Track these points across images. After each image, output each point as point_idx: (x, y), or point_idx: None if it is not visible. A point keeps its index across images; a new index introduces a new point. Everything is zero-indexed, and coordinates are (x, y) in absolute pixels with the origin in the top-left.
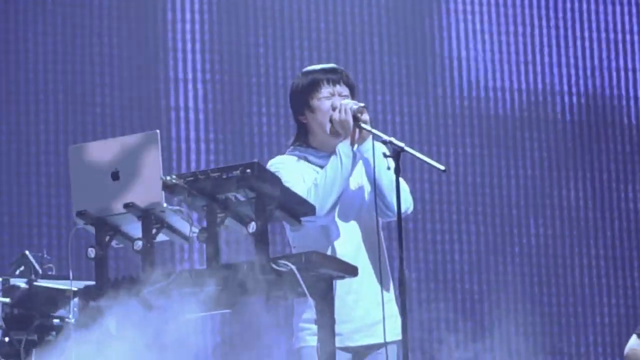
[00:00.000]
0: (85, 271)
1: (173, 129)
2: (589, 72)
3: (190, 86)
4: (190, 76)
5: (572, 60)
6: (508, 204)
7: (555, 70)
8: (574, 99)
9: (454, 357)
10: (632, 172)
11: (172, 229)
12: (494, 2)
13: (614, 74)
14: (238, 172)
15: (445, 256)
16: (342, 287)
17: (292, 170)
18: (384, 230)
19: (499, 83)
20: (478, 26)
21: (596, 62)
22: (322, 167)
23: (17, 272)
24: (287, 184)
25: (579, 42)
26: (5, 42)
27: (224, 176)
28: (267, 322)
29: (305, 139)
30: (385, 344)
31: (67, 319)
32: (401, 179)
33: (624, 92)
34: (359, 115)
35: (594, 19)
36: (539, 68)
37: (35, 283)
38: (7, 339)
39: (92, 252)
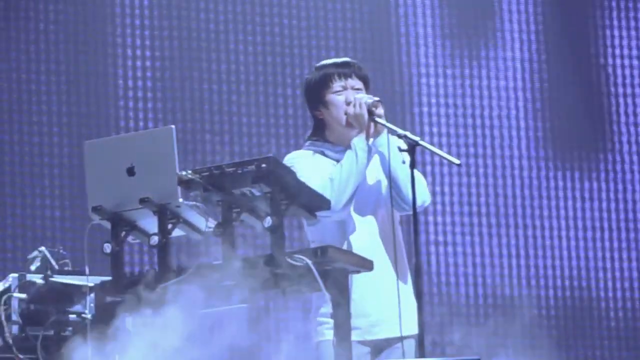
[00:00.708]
0: (100, 266)
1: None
2: None
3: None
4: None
5: None
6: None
7: None
8: None
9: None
10: None
11: (187, 224)
12: None
13: None
14: (253, 166)
15: (457, 248)
16: (360, 280)
17: (309, 165)
18: (402, 225)
19: None
20: None
21: None
22: (338, 161)
23: (33, 268)
24: (302, 178)
25: None
26: None
27: (239, 171)
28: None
29: (321, 134)
30: (401, 338)
31: (83, 315)
32: (419, 173)
33: None
34: (373, 109)
35: None
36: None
37: (51, 279)
38: (23, 335)
39: (107, 248)
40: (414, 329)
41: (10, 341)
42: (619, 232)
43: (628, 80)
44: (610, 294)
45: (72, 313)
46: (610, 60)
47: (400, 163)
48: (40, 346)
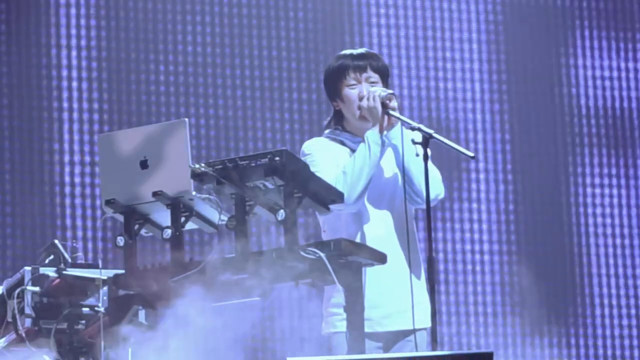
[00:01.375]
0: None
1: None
2: None
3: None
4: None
5: None
6: None
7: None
8: None
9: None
10: None
11: (201, 217)
12: None
13: None
14: (266, 159)
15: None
16: (373, 272)
17: (326, 154)
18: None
19: None
20: None
21: None
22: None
23: (47, 261)
24: (319, 167)
25: None
26: None
27: (253, 164)
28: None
29: (341, 123)
30: (414, 330)
31: (96, 308)
32: (433, 166)
33: None
34: (387, 102)
35: None
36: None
37: (64, 272)
38: (36, 328)
39: (121, 241)
40: (425, 322)
41: (24, 334)
42: None
43: None
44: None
45: (85, 306)
46: None
47: (414, 156)
48: (53, 339)
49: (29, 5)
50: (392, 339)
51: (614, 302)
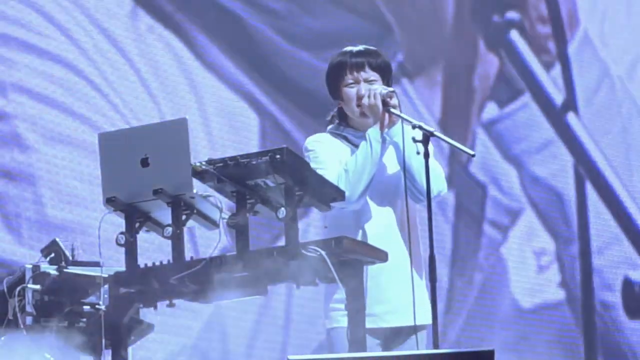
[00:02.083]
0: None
1: None
2: None
3: None
4: None
5: None
6: None
7: None
8: None
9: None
10: None
11: (201, 215)
12: None
13: None
14: (267, 157)
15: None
16: (374, 269)
17: (329, 150)
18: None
19: None
20: None
21: None
22: (358, 147)
23: (47, 259)
24: (322, 165)
25: None
26: None
27: (254, 162)
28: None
29: (344, 119)
30: (415, 327)
31: (97, 306)
32: (436, 162)
33: None
34: (388, 99)
35: None
36: None
37: (65, 270)
38: (37, 326)
39: (122, 239)
40: (426, 320)
41: (25, 332)
42: None
43: None
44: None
45: (86, 304)
46: None
47: (415, 153)
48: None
49: None
50: (393, 336)
51: None
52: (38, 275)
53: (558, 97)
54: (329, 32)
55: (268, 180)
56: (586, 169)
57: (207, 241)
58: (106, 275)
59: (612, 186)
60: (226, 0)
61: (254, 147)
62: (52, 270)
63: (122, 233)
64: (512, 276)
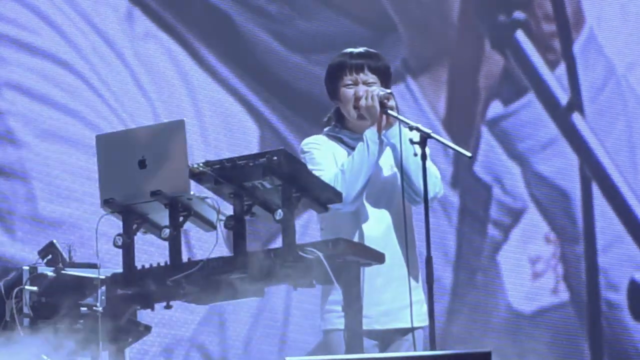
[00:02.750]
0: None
1: None
2: None
3: None
4: None
5: None
6: None
7: None
8: None
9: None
10: None
11: (199, 216)
12: None
13: None
14: (265, 159)
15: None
16: (372, 270)
17: (325, 152)
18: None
19: None
20: None
21: None
22: (354, 149)
23: (45, 261)
24: (318, 167)
25: None
26: None
27: (251, 163)
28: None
29: (341, 120)
30: (412, 329)
31: (94, 307)
32: (432, 164)
33: None
34: (385, 101)
35: None
36: None
37: (62, 271)
38: (35, 327)
39: (119, 240)
40: (421, 322)
41: (22, 334)
42: None
43: None
44: None
45: (84, 306)
46: None
47: (412, 155)
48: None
49: None
50: (389, 337)
51: None
52: (35, 276)
53: (563, 95)
54: (324, 35)
55: (265, 182)
56: (591, 168)
57: (200, 243)
58: (103, 277)
59: (617, 185)
60: (220, 3)
61: (249, 149)
62: (50, 272)
63: (119, 235)
64: (511, 276)
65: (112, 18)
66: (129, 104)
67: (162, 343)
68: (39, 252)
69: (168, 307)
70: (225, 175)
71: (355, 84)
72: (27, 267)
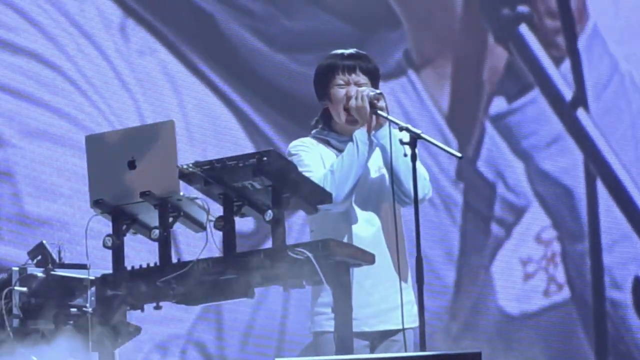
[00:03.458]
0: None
1: None
2: None
3: None
4: None
5: None
6: None
7: None
8: None
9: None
10: None
11: (189, 217)
12: None
13: None
14: (254, 160)
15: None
16: (361, 271)
17: (313, 154)
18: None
19: None
20: None
21: None
22: (342, 151)
23: (34, 262)
24: (307, 168)
25: None
26: None
27: (241, 164)
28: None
29: (328, 123)
30: (403, 330)
31: (84, 308)
32: (421, 165)
33: None
34: (375, 102)
35: None
36: None
37: (52, 272)
38: (24, 328)
39: (109, 241)
40: (411, 323)
41: (12, 334)
42: None
43: None
44: None
45: (74, 307)
46: None
47: (402, 156)
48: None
49: None
50: (379, 339)
51: None
52: (25, 277)
53: (567, 92)
54: (308, 34)
55: (255, 183)
56: (596, 165)
57: (190, 243)
58: (93, 278)
59: (622, 182)
60: (204, 3)
61: (236, 150)
62: (39, 273)
63: (109, 235)
64: (512, 276)
65: (97, 19)
66: (116, 105)
67: (157, 339)
68: (29, 253)
69: (158, 307)
70: (215, 175)
71: (347, 84)
72: (16, 268)
